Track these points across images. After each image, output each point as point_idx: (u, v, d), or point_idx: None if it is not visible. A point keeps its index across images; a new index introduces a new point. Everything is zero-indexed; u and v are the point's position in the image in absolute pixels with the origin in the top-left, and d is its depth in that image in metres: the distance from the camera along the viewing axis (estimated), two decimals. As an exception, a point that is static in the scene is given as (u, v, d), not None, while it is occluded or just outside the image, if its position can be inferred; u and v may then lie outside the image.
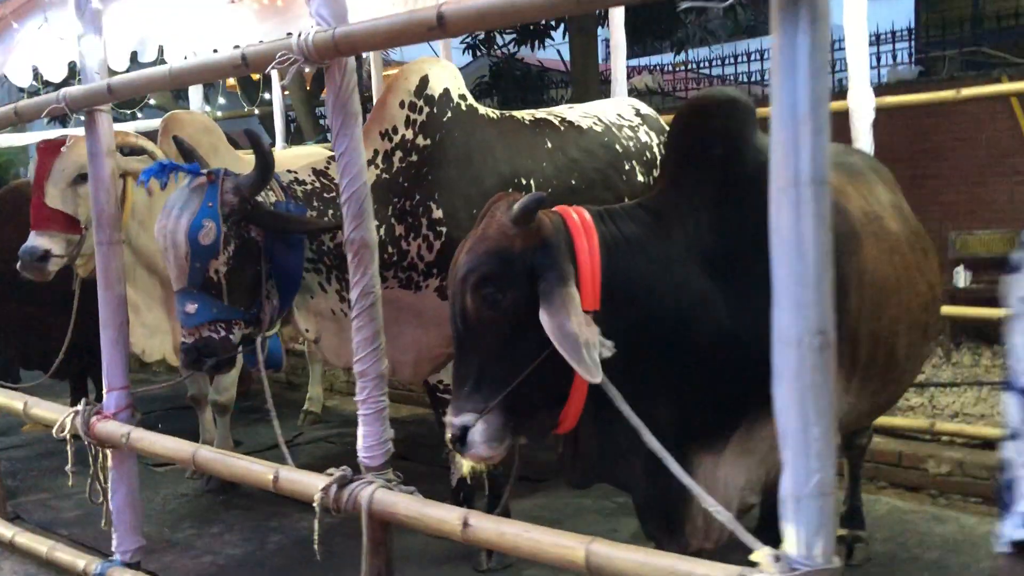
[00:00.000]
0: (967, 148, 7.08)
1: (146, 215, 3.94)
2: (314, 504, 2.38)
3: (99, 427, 3.12)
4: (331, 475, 2.40)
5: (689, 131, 2.45)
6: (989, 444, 4.06)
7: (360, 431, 2.45)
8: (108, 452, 3.17)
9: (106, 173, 3.13)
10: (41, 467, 5.21)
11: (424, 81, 3.25)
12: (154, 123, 5.73)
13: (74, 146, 3.77)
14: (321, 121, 10.13)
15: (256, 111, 9.00)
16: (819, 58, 1.55)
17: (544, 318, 1.96)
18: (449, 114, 3.25)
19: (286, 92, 8.36)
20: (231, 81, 10.54)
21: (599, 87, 7.91)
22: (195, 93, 6.77)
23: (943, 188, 7.15)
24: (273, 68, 2.39)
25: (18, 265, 3.68)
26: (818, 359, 1.59)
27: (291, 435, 5.46)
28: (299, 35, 2.30)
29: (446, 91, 3.29)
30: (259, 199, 2.85)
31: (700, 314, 2.25)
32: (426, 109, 3.21)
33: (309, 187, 3.11)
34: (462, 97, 3.35)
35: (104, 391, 3.20)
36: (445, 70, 3.36)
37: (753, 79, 10.94)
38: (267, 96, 8.66)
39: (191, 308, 2.76)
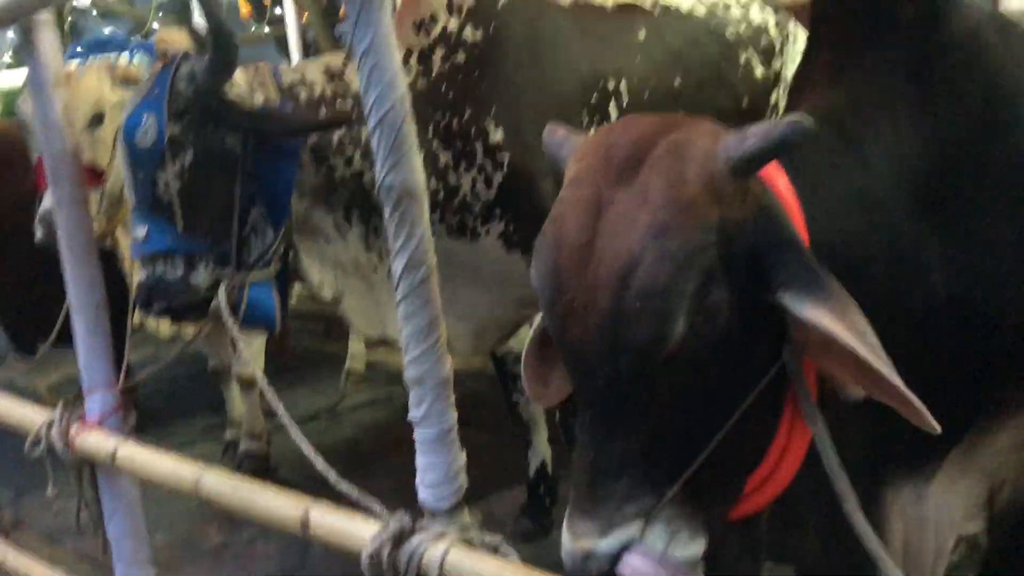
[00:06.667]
0: None
1: None
2: (362, 566, 1.66)
3: (80, 440, 2.39)
4: (379, 515, 1.67)
5: None
6: None
7: (420, 462, 1.69)
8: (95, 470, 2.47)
9: (55, 111, 2.33)
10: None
11: (472, -49, 2.41)
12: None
13: (84, 78, 3.09)
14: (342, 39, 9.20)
15: (267, 29, 8.09)
16: None
17: (836, 327, 1.10)
18: (505, -3, 2.41)
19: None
20: (243, 10, 9.67)
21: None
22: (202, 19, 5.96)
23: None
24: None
25: (37, 236, 2.98)
26: None
27: (332, 401, 4.79)
28: None
29: (500, -34, 2.44)
30: (233, 95, 2.19)
31: (914, 280, 1.44)
32: (475, -10, 2.38)
33: (317, 92, 2.37)
34: (522, -25, 2.50)
35: (84, 393, 2.47)
36: (497, -62, 2.50)
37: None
38: (278, 11, 7.76)
39: (140, 233, 2.20)
